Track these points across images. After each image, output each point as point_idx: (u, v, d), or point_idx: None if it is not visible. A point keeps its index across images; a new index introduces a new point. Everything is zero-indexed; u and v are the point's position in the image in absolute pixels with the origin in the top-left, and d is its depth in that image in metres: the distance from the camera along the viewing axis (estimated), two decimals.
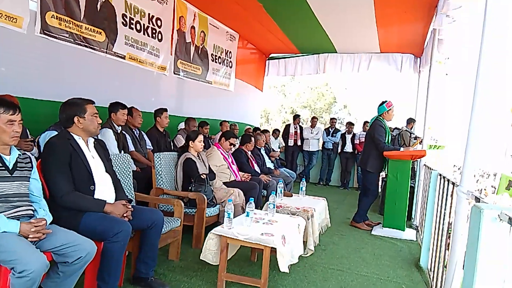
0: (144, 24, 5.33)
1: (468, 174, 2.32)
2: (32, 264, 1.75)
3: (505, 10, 2.27)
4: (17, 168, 2.08)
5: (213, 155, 4.62)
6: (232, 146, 4.90)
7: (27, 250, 1.82)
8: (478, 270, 1.44)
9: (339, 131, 9.03)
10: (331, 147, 8.96)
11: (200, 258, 2.82)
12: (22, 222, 1.94)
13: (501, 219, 1.40)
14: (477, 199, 2.03)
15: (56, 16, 3.98)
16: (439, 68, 5.08)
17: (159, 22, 5.61)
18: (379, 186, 6.21)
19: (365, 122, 8.66)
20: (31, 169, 2.18)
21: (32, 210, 2.11)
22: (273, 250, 2.67)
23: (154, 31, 5.54)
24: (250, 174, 5.02)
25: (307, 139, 9.02)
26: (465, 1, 4.03)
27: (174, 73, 6.17)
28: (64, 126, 2.50)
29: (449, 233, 2.69)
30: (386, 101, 4.96)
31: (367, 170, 4.97)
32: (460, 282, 2.34)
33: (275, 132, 9.08)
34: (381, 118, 4.95)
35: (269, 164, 6.29)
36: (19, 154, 2.13)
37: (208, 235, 2.79)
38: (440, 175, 3.37)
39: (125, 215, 2.45)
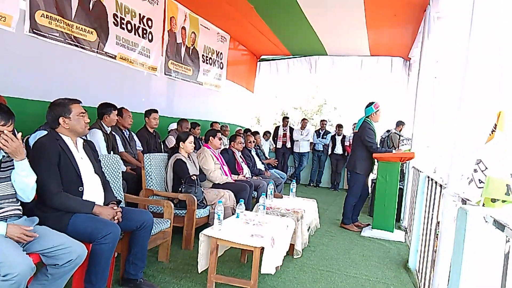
0: (135, 24, 5.29)
1: (455, 177, 2.35)
2: (17, 267, 1.73)
3: (492, 13, 2.30)
4: (1, 169, 2.05)
5: (206, 159, 4.58)
6: (221, 140, 4.93)
7: (13, 253, 1.79)
8: (464, 271, 1.46)
9: (329, 132, 9.08)
10: (322, 149, 9.02)
11: (199, 271, 2.78)
12: (9, 224, 1.91)
13: (486, 221, 1.42)
14: (464, 201, 2.06)
15: (46, 15, 3.94)
16: (428, 71, 5.13)
17: (150, 22, 5.58)
18: (369, 187, 6.24)
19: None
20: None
21: (19, 210, 2.08)
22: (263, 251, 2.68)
23: (144, 31, 5.50)
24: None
25: (297, 140, 9.06)
26: (455, 4, 4.08)
27: (165, 74, 6.14)
28: (51, 127, 2.47)
29: (437, 235, 2.73)
30: (373, 103, 4.93)
31: (356, 172, 4.99)
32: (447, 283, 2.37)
33: (266, 134, 9.09)
34: (369, 120, 4.94)
35: (260, 166, 6.30)
36: (3, 156, 2.09)
37: (200, 238, 2.78)
38: (428, 177, 3.41)
39: (115, 218, 2.43)
